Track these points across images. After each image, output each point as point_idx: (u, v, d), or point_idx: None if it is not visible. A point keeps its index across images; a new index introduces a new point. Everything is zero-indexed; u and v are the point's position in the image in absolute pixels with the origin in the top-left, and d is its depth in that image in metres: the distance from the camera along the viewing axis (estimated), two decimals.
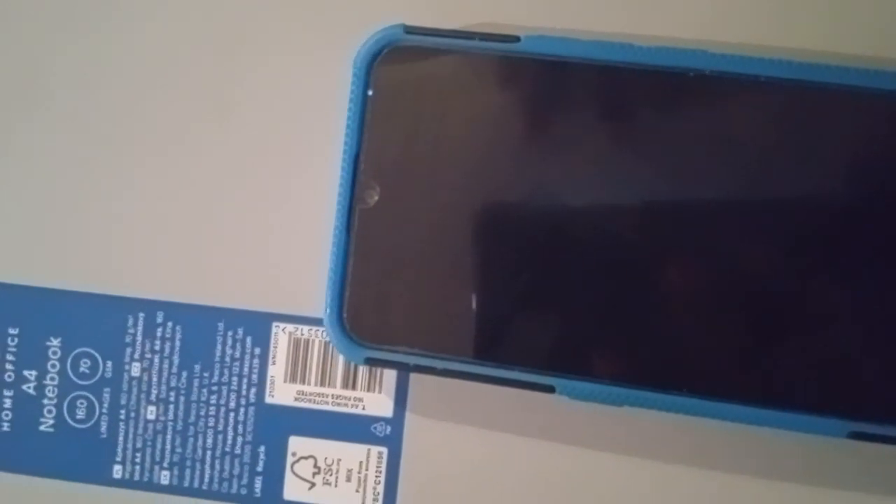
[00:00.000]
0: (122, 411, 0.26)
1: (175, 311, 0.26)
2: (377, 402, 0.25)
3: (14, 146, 0.26)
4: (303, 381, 0.25)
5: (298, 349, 0.25)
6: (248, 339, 0.25)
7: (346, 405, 0.25)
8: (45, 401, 0.26)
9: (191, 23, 0.25)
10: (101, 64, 0.26)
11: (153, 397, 0.26)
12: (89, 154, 0.26)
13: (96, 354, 0.26)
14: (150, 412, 0.26)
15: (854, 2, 0.23)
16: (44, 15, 0.26)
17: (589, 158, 0.23)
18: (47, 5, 0.26)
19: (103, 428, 0.26)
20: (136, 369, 0.26)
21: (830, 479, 0.24)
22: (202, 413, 0.26)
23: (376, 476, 0.25)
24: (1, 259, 0.26)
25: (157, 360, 0.26)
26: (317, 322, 0.25)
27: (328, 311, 0.23)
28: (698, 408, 0.22)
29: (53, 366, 0.26)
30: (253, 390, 0.25)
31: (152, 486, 0.26)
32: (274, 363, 0.25)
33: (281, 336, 0.25)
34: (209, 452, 0.26)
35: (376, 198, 0.23)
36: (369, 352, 0.23)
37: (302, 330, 0.25)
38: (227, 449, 0.26)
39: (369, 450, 0.25)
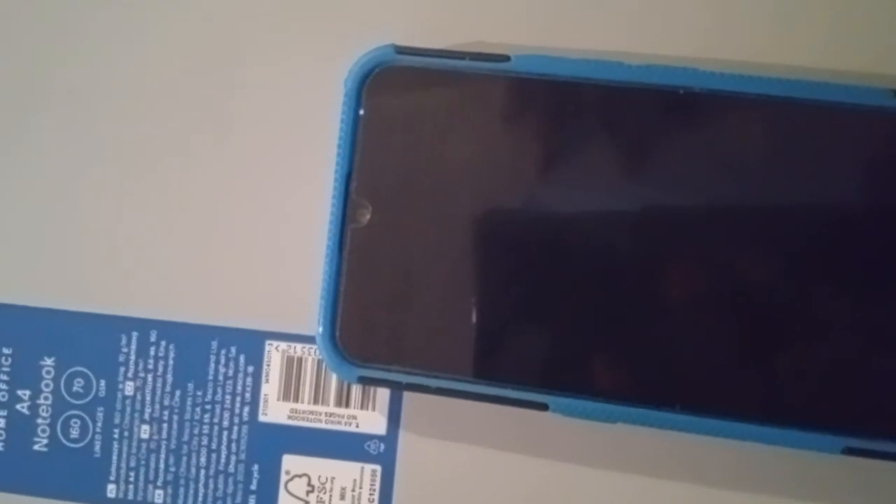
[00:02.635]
0: (116, 430, 0.26)
1: (168, 329, 0.26)
2: (371, 420, 0.25)
3: (8, 165, 0.26)
4: (296, 400, 0.25)
5: (292, 367, 0.25)
6: (242, 358, 0.25)
7: (339, 423, 0.25)
8: (39, 420, 0.26)
9: (184, 44, 0.25)
10: (93, 87, 0.26)
11: (147, 416, 0.26)
12: (82, 173, 0.26)
13: (90, 373, 0.26)
14: (144, 431, 0.26)
15: (844, 19, 0.23)
16: (39, 31, 0.26)
17: (580, 177, 0.23)
18: (43, 22, 0.26)
19: (97, 447, 0.26)
20: (129, 388, 0.26)
21: (825, 495, 0.24)
22: (196, 432, 0.26)
23: (370, 494, 0.25)
24: None
25: (150, 378, 0.26)
26: (310, 340, 0.25)
27: (321, 329, 0.23)
28: (692, 425, 0.22)
29: (47, 385, 0.26)
30: (246, 409, 0.25)
31: None
32: (267, 381, 0.25)
33: (274, 354, 0.25)
34: (203, 471, 0.26)
35: (368, 217, 0.23)
36: (362, 370, 0.23)
37: (295, 348, 0.25)
38: (221, 468, 0.26)
39: (363, 468, 0.25)
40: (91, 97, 0.26)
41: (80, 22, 0.26)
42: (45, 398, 0.26)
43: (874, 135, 0.22)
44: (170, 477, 0.26)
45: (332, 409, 0.25)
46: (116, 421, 0.26)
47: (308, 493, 0.25)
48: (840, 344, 0.22)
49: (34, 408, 0.26)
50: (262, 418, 0.25)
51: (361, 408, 0.25)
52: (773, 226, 0.22)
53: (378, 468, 0.25)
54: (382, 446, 0.25)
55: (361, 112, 0.23)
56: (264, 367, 0.25)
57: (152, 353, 0.26)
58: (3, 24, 0.26)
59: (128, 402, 0.26)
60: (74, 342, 0.26)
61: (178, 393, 0.26)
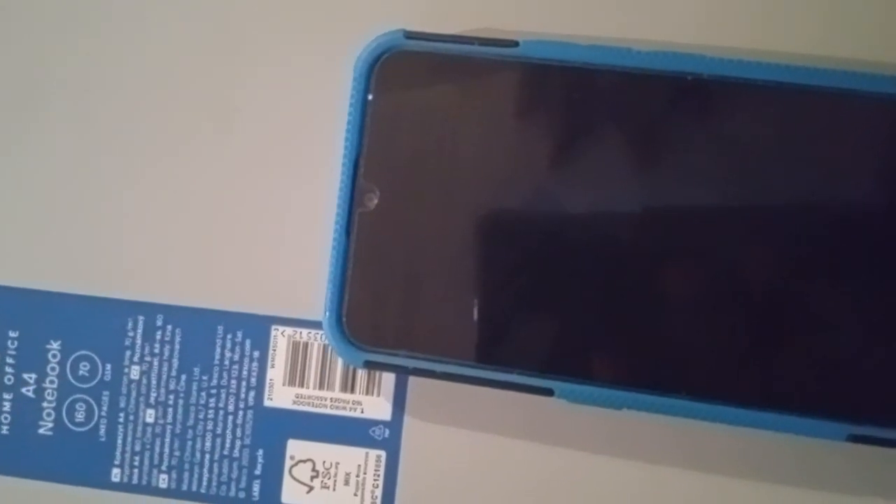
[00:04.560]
0: (121, 414, 0.26)
1: (174, 314, 0.26)
2: (376, 406, 0.25)
3: (14, 149, 0.26)
4: (301, 385, 0.25)
5: (297, 352, 0.25)
6: (248, 343, 0.25)
7: (344, 408, 0.25)
8: (45, 404, 0.26)
9: (191, 28, 0.26)
10: (102, 68, 0.26)
11: (152, 400, 0.26)
12: (89, 158, 0.26)
13: (96, 357, 0.26)
14: (149, 415, 0.26)
15: (852, 6, 0.24)
16: (46, 22, 0.26)
17: (587, 163, 0.23)
18: (49, 14, 0.26)
19: (102, 431, 0.26)
20: (135, 372, 0.26)
21: (829, 482, 0.24)
22: (201, 416, 0.26)
23: (374, 480, 0.25)
24: (1, 262, 0.26)
25: (156, 363, 0.26)
26: (316, 325, 0.25)
27: (327, 314, 0.23)
28: (697, 411, 0.22)
29: (53, 369, 0.26)
30: (252, 393, 0.25)
31: (151, 490, 0.26)
32: (273, 366, 0.25)
33: (280, 339, 0.25)
34: (208, 456, 0.26)
35: (376, 201, 0.23)
36: (368, 355, 0.23)
37: (301, 333, 0.25)
38: (226, 452, 0.26)
39: (368, 453, 0.25)
40: (96, 81, 0.26)
41: (86, 12, 0.26)
42: (51, 382, 0.26)
43: (887, 123, 0.22)
44: (174, 461, 0.26)
45: (337, 394, 0.25)
46: (122, 405, 0.26)
47: (312, 478, 0.25)
48: (845, 331, 0.22)
49: (40, 391, 0.26)
50: (267, 403, 0.25)
51: (367, 393, 0.25)
52: (779, 214, 0.22)
53: (383, 454, 0.25)
54: (387, 432, 0.25)
55: (370, 97, 0.23)
56: (270, 351, 0.25)
57: (158, 337, 0.26)
58: (11, 13, 0.26)
59: (133, 386, 0.26)
60: (80, 326, 0.26)
61: (183, 377, 0.26)
